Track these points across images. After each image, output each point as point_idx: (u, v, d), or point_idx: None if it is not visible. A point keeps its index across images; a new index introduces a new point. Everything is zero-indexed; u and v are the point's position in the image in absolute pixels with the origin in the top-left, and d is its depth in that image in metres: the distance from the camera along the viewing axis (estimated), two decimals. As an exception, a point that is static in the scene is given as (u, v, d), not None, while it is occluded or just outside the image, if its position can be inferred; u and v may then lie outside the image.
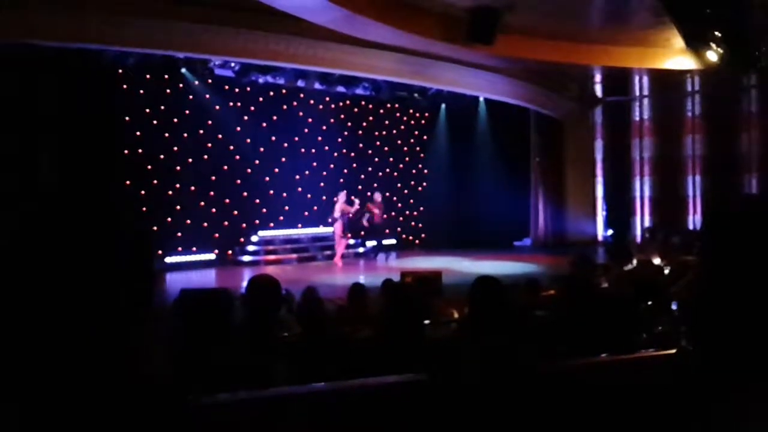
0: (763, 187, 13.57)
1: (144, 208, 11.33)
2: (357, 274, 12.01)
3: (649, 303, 4.47)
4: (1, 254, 0.89)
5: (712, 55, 10.05)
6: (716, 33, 9.43)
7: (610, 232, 15.95)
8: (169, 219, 11.89)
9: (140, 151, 12.03)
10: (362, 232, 14.48)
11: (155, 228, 11.14)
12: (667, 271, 6.81)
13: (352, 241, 14.34)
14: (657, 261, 8.00)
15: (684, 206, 14.97)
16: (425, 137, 16.89)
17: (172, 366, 0.99)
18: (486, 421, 1.94)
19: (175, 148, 12.50)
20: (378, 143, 16.01)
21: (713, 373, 0.84)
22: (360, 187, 15.37)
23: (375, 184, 15.60)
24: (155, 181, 12.11)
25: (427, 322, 4.45)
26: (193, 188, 12.70)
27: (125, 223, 0.96)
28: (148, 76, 12.02)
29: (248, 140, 13.46)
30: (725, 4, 9.03)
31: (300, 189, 14.41)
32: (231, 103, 13.35)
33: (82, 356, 0.86)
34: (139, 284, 0.94)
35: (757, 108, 13.74)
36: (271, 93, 13.83)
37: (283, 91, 13.90)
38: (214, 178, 13.01)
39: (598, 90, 15.92)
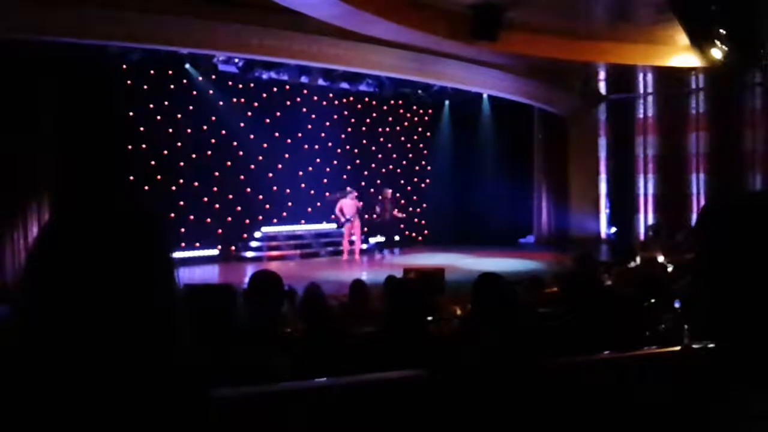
0: (767, 183, 13.53)
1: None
2: (360, 270, 12.01)
3: (653, 301, 4.46)
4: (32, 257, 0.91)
5: (717, 53, 10.00)
6: (721, 30, 9.39)
7: (613, 229, 15.92)
8: (172, 215, 11.90)
9: (144, 146, 12.05)
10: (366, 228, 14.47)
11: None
12: (670, 269, 6.81)
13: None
14: (661, 258, 7.99)
15: (688, 204, 14.92)
16: (428, 134, 16.88)
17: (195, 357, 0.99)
18: (487, 417, 1.95)
19: (179, 144, 12.51)
20: (381, 140, 16.00)
21: (714, 371, 0.84)
22: (363, 183, 15.37)
23: (378, 181, 15.60)
24: (159, 177, 12.13)
25: (429, 318, 4.45)
26: (196, 184, 12.71)
27: (142, 215, 0.97)
28: (151, 72, 12.03)
29: (252, 136, 13.46)
30: (730, 2, 9.00)
31: (303, 185, 14.42)
32: (234, 99, 13.36)
33: (116, 349, 0.86)
34: (164, 276, 0.95)
35: (762, 105, 13.68)
36: (275, 89, 13.83)
37: (287, 87, 13.89)
38: (217, 173, 13.02)
39: (602, 87, 15.87)
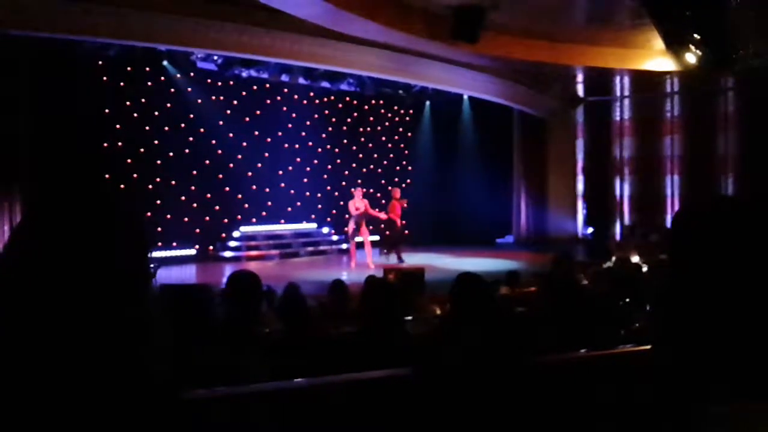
0: (739, 186, 13.81)
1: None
2: (340, 270, 11.99)
3: (627, 300, 4.53)
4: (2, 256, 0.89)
5: (691, 57, 10.19)
6: (695, 35, 9.57)
7: (590, 230, 16.13)
8: (149, 213, 11.77)
9: (120, 144, 11.89)
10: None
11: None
12: (645, 269, 6.91)
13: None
14: (636, 259, 8.12)
15: (663, 205, 15.19)
16: (409, 134, 16.92)
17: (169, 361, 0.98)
18: (466, 416, 1.96)
19: (156, 142, 12.37)
20: (362, 139, 15.99)
21: (678, 372, 0.86)
22: (344, 183, 15.35)
23: (359, 180, 15.59)
24: (135, 175, 11.98)
25: (409, 318, 4.47)
26: (174, 182, 12.58)
27: (122, 214, 0.96)
28: (129, 69, 11.88)
29: (231, 134, 13.36)
30: (704, 7, 9.16)
31: (283, 184, 14.34)
32: (213, 97, 13.24)
33: (84, 351, 0.86)
34: (139, 275, 0.94)
35: (734, 109, 13.97)
36: (255, 87, 13.74)
37: (267, 85, 13.82)
38: (195, 172, 12.90)
39: (580, 90, 16.06)
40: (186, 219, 12.80)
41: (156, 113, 12.33)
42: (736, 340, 0.82)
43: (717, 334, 0.83)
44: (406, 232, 14.77)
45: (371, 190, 15.19)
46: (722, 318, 0.83)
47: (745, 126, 13.59)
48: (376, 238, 13.86)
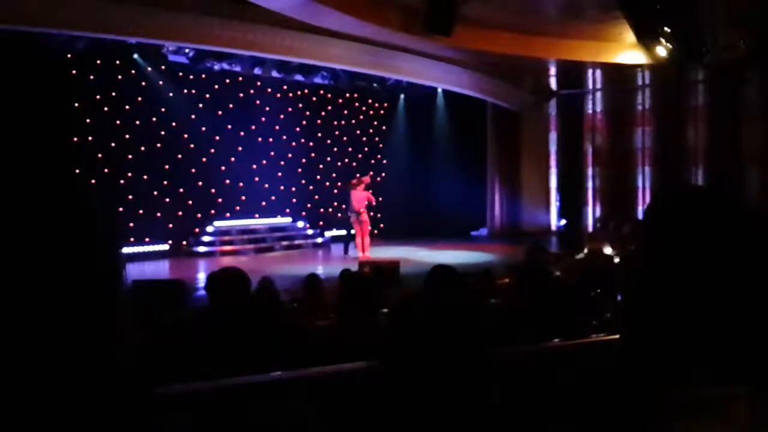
0: (708, 178, 14.10)
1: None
2: (315, 264, 11.96)
3: (599, 291, 4.60)
4: None
5: (662, 50, 10.35)
6: (665, 28, 9.72)
7: (563, 221, 16.32)
8: (121, 209, 11.58)
9: (90, 138, 11.68)
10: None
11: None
12: (617, 260, 7.02)
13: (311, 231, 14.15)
14: (607, 250, 8.24)
15: (634, 197, 15.43)
16: (384, 127, 16.91)
17: (139, 356, 0.96)
18: (440, 406, 1.97)
19: (127, 136, 12.16)
20: (337, 133, 15.94)
21: (649, 359, 0.87)
22: (318, 177, 15.28)
23: (333, 174, 15.54)
24: (106, 170, 11.76)
25: (384, 311, 4.47)
26: (145, 177, 12.39)
27: (89, 210, 0.93)
28: (98, 62, 11.66)
29: (203, 128, 13.20)
30: (675, 1, 9.31)
31: (257, 179, 14.23)
32: (185, 91, 13.07)
33: (53, 348, 0.84)
34: (110, 272, 0.92)
35: (704, 102, 14.23)
36: (227, 80, 13.60)
37: (240, 78, 13.68)
38: (167, 167, 12.72)
39: (553, 83, 16.21)
40: (158, 214, 12.63)
41: (127, 107, 12.13)
42: (708, 326, 0.83)
43: (689, 320, 0.85)
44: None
45: (341, 184, 15.14)
46: (694, 305, 0.85)
47: (715, 118, 13.86)
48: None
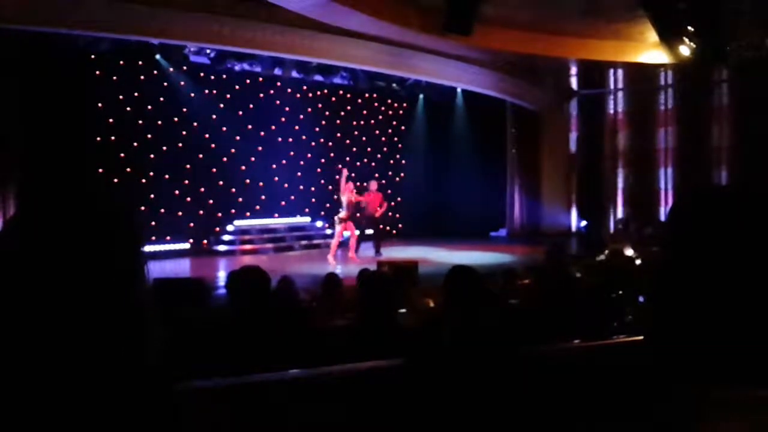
0: (732, 179, 13.86)
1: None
2: (335, 264, 11.99)
3: (620, 292, 4.55)
4: None
5: (685, 50, 10.21)
6: (689, 27, 9.58)
7: (584, 223, 16.16)
8: (143, 208, 11.72)
9: (113, 138, 11.83)
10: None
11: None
12: (638, 262, 6.94)
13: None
14: (629, 252, 8.15)
15: (657, 198, 15.23)
16: (403, 127, 16.88)
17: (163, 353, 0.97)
18: (460, 406, 1.97)
19: (149, 136, 12.30)
20: (356, 133, 15.95)
21: (675, 361, 0.86)
22: (337, 177, 15.31)
23: (352, 174, 15.55)
24: (128, 169, 11.91)
25: (402, 311, 4.47)
26: (167, 177, 12.52)
27: (112, 209, 0.94)
28: (121, 62, 11.80)
29: (224, 128, 13.29)
30: (698, 0, 9.18)
31: (276, 178, 14.30)
32: (206, 91, 13.17)
33: (76, 346, 0.85)
34: (132, 270, 0.93)
35: (728, 102, 14.01)
36: (248, 81, 13.68)
37: (260, 79, 13.75)
38: (188, 166, 12.84)
39: (574, 82, 16.06)
40: (179, 213, 12.75)
41: (149, 107, 12.27)
42: (735, 329, 0.82)
43: (715, 322, 0.83)
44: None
45: (365, 184, 15.15)
46: (720, 307, 0.83)
47: (739, 118, 13.63)
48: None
